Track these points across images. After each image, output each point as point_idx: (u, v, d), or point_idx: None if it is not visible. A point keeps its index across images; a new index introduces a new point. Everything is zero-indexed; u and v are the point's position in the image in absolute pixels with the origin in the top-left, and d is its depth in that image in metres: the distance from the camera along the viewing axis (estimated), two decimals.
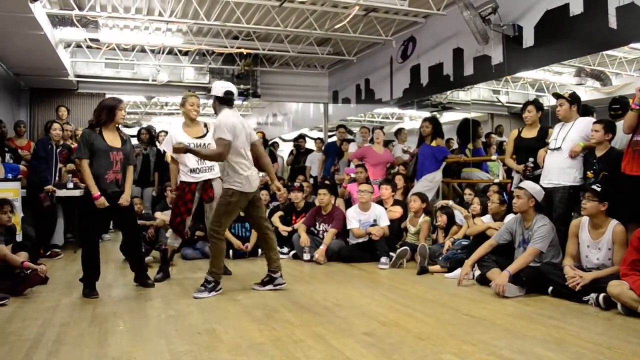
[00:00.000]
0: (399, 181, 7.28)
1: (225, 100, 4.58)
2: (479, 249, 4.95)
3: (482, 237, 5.30)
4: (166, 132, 8.62)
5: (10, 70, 9.32)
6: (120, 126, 4.83)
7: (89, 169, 4.49)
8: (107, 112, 4.59)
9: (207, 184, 5.19)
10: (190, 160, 5.13)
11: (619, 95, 5.90)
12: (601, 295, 3.97)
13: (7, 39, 7.32)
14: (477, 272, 4.96)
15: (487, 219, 5.58)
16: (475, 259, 4.91)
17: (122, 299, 4.45)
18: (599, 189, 4.26)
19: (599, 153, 4.71)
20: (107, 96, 9.93)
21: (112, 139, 4.62)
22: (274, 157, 9.81)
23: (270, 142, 11.39)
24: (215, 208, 4.72)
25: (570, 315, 3.83)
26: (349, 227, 6.48)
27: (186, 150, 4.47)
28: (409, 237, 6.45)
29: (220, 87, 4.61)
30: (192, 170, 5.14)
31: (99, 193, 4.47)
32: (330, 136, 12.51)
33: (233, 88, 4.64)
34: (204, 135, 5.22)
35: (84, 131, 4.73)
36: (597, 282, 4.09)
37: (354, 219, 6.44)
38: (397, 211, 6.60)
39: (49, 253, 6.51)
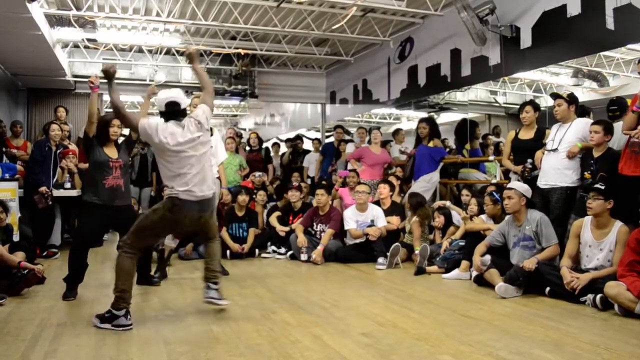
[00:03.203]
0: (393, 181, 7.26)
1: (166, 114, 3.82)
2: (479, 246, 4.95)
3: (477, 236, 5.30)
4: None
5: (8, 70, 9.30)
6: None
7: None
8: (103, 130, 4.65)
9: None
10: None
11: (617, 96, 5.91)
12: (598, 296, 3.97)
13: (4, 39, 7.30)
14: (475, 273, 4.97)
15: (484, 217, 5.58)
16: (482, 251, 4.89)
17: None
18: (603, 187, 4.27)
19: (596, 154, 4.72)
20: (105, 96, 9.99)
21: (111, 152, 4.68)
22: (269, 158, 9.82)
23: (272, 143, 11.39)
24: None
25: (568, 316, 3.84)
26: (346, 227, 6.48)
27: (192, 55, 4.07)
28: (407, 237, 6.45)
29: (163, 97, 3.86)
30: None
31: None
32: (327, 136, 12.52)
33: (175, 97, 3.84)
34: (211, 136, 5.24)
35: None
36: (594, 283, 4.09)
37: (352, 219, 6.45)
38: (394, 223, 6.58)
39: (45, 253, 6.49)
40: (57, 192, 6.69)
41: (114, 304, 3.64)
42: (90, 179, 4.62)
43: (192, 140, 3.77)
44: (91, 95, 4.69)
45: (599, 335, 3.38)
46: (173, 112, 3.80)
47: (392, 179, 7.33)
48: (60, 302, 4.29)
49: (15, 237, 5.57)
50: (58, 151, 6.87)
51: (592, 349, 3.09)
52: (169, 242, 5.34)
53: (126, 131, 5.12)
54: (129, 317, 3.61)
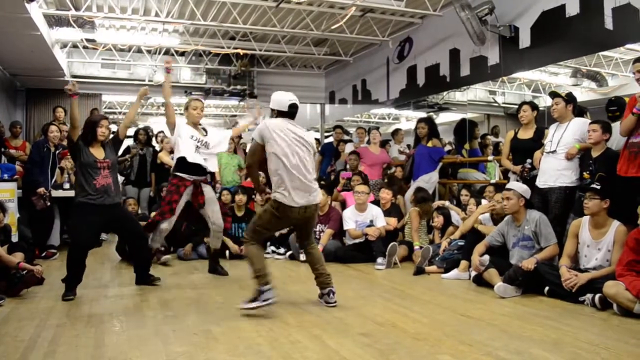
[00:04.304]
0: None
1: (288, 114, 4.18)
2: (478, 246, 4.96)
3: (477, 236, 5.30)
4: (164, 132, 8.62)
5: (7, 70, 9.31)
6: (116, 128, 4.86)
7: None
8: (90, 130, 4.66)
9: (199, 189, 5.17)
10: (189, 148, 5.14)
11: (616, 96, 5.92)
12: (597, 296, 3.98)
13: (3, 39, 7.31)
14: (474, 273, 4.97)
15: (485, 219, 5.58)
16: (481, 251, 4.90)
17: (118, 299, 4.44)
18: (599, 187, 4.28)
19: (595, 154, 4.72)
20: (104, 97, 9.97)
21: (97, 152, 4.68)
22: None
23: None
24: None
25: (567, 316, 3.84)
26: (345, 227, 6.47)
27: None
28: (406, 229, 6.47)
29: (286, 99, 4.19)
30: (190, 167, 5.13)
31: None
32: (327, 137, 12.52)
33: (295, 99, 4.22)
34: (206, 135, 5.29)
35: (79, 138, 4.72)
36: (593, 283, 4.10)
37: (351, 219, 6.44)
38: (392, 224, 6.55)
39: (44, 254, 6.49)
40: (55, 193, 6.69)
41: (259, 283, 3.92)
42: (80, 181, 4.62)
43: (299, 139, 4.10)
44: (71, 102, 4.73)
45: (597, 335, 3.38)
46: (293, 113, 4.17)
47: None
48: (59, 303, 4.29)
49: (14, 238, 5.57)
50: (57, 152, 6.87)
51: (591, 349, 3.10)
52: (152, 244, 5.29)
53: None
54: (273, 292, 3.90)
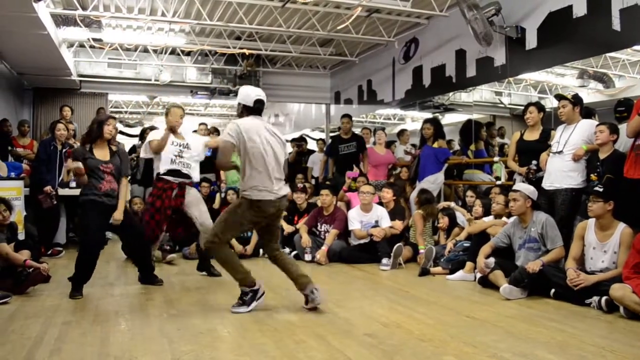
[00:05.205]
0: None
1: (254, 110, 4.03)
2: (484, 247, 4.95)
3: (483, 238, 5.29)
4: None
5: (14, 69, 9.34)
6: (122, 127, 4.88)
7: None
8: (97, 128, 4.66)
9: (182, 192, 5.15)
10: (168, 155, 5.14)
11: (624, 97, 5.88)
12: (603, 298, 3.96)
13: (10, 39, 7.34)
14: (479, 275, 4.95)
15: (489, 219, 5.57)
16: (487, 253, 4.88)
17: (124, 298, 4.46)
18: (601, 190, 4.26)
19: (602, 155, 4.71)
20: (110, 96, 9.97)
21: (102, 154, 4.67)
22: None
23: None
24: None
25: (573, 318, 3.82)
26: (350, 228, 6.48)
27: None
28: (411, 232, 6.46)
29: (253, 94, 4.03)
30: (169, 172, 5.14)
31: None
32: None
33: (263, 96, 4.08)
34: (184, 139, 5.29)
35: (74, 150, 4.70)
36: (599, 285, 4.08)
37: (356, 220, 6.44)
38: (397, 227, 6.48)
39: (50, 252, 6.52)
40: (62, 191, 6.73)
41: (245, 285, 3.97)
42: (88, 181, 4.63)
43: (267, 132, 3.96)
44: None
45: (604, 338, 3.37)
46: (259, 109, 4.02)
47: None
48: (65, 301, 4.31)
49: (21, 236, 5.60)
50: (64, 150, 6.90)
51: (597, 351, 3.08)
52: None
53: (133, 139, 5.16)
54: (260, 287, 3.98)
